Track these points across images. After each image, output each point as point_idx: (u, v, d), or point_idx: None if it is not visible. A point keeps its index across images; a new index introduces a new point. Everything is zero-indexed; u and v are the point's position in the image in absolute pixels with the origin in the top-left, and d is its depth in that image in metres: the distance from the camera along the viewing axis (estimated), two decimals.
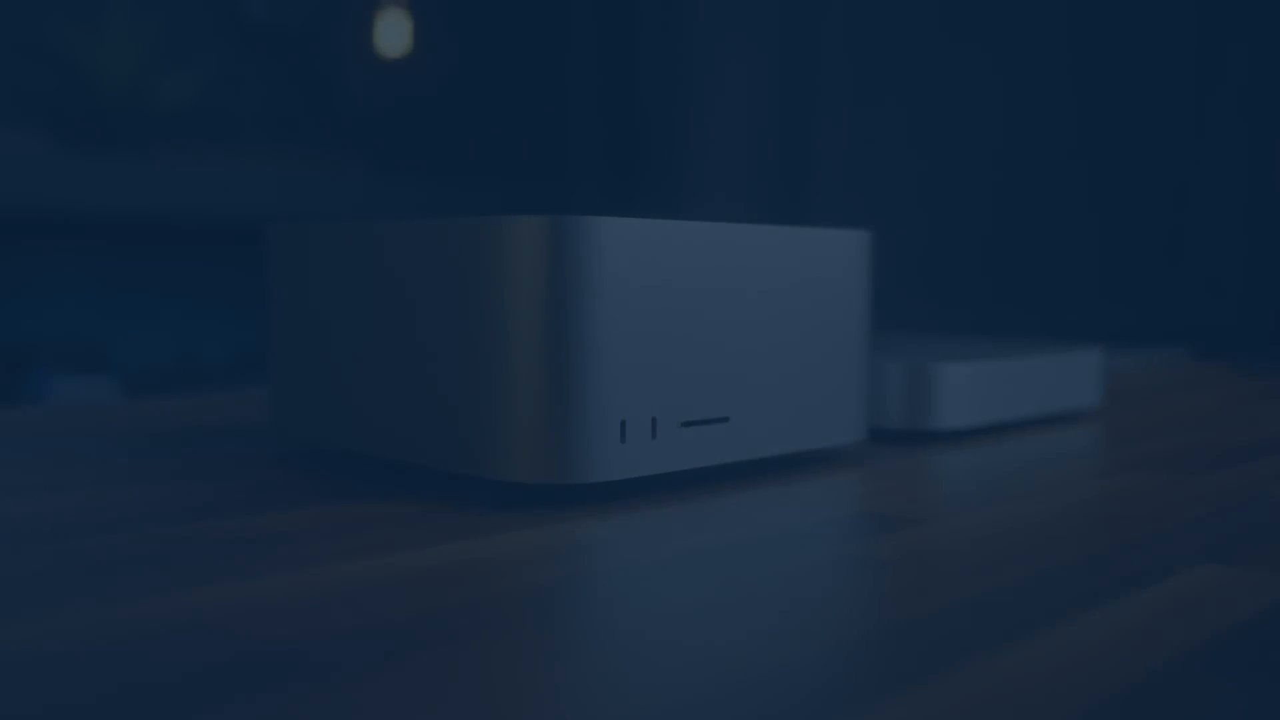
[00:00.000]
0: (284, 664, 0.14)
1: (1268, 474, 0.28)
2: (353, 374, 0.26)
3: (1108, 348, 0.66)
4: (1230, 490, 0.26)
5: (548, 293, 0.22)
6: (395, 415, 0.25)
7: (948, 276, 1.38)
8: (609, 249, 0.23)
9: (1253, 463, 0.30)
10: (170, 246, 1.57)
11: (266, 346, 0.26)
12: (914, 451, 0.31)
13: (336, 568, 0.18)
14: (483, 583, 0.17)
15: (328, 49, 1.67)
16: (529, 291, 0.23)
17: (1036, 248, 1.25)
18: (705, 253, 0.25)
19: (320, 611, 0.16)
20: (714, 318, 0.25)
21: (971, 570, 0.18)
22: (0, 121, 1.43)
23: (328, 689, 0.13)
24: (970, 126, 1.34)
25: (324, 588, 0.17)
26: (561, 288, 0.22)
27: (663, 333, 0.24)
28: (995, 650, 0.14)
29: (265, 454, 0.29)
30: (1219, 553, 0.20)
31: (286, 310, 0.28)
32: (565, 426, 0.23)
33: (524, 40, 1.83)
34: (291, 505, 0.23)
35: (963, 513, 0.23)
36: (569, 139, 1.90)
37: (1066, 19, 1.19)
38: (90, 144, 1.47)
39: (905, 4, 1.37)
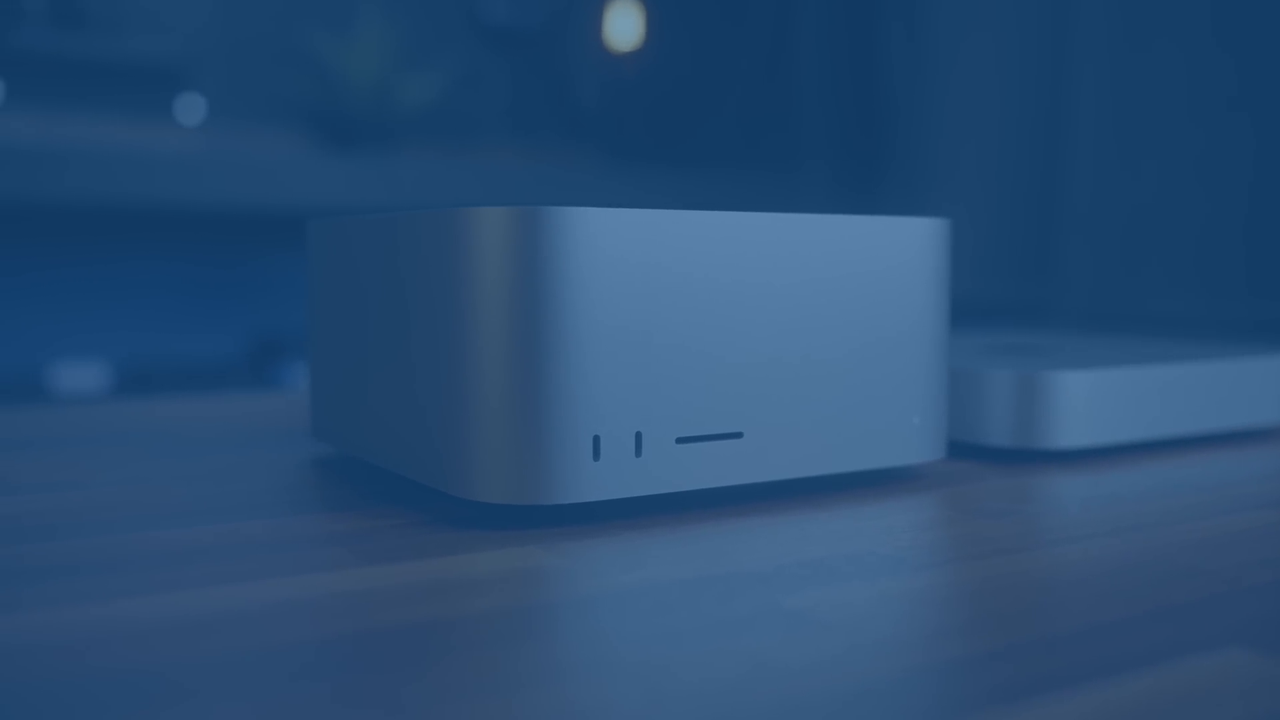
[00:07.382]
0: (231, 677, 0.12)
1: None
2: (355, 378, 0.25)
3: None
4: None
5: (509, 291, 0.20)
6: (387, 423, 0.23)
7: (1219, 274, 1.26)
8: (583, 242, 0.20)
9: None
10: None
11: (307, 347, 0.25)
12: (1012, 474, 0.26)
13: (261, 585, 0.16)
14: (401, 610, 0.15)
15: (563, 46, 1.69)
16: (491, 289, 0.20)
17: None
18: (713, 246, 0.22)
19: (253, 626, 0.14)
20: (726, 321, 0.22)
21: (915, 641, 0.15)
22: (259, 124, 1.53)
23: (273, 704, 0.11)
24: (1230, 112, 1.22)
25: (257, 604, 0.15)
26: (523, 285, 0.20)
27: (654, 338, 0.21)
28: None
29: (296, 458, 0.28)
30: (1263, 635, 0.15)
31: (316, 308, 0.27)
32: (528, 441, 0.20)
33: (757, 28, 1.80)
34: (258, 515, 0.21)
35: (991, 556, 0.19)
36: (804, 130, 1.86)
37: None
38: (339, 145, 1.55)
39: None
